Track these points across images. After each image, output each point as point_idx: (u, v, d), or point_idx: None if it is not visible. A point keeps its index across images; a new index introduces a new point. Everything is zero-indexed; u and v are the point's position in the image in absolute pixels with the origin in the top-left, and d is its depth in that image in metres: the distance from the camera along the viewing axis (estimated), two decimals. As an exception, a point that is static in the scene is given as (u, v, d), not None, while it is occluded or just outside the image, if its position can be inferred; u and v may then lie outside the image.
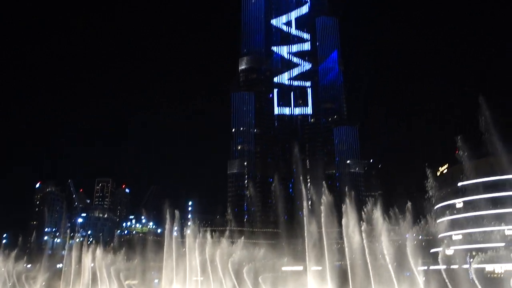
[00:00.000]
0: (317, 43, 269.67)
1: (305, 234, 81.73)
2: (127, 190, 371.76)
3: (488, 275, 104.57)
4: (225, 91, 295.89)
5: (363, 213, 78.22)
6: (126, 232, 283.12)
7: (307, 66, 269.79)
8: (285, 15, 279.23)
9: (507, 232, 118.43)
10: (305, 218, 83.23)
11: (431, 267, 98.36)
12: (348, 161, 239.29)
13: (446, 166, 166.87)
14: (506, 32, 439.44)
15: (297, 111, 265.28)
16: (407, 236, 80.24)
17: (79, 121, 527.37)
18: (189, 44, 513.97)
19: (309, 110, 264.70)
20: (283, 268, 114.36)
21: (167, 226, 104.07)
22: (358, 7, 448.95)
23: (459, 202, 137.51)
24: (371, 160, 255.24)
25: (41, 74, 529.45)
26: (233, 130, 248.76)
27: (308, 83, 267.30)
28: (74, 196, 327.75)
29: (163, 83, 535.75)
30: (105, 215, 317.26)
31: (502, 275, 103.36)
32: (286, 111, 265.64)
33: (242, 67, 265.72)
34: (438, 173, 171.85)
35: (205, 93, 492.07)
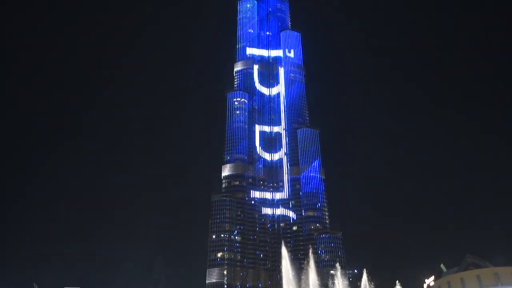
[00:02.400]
0: (299, 153, 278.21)
1: None
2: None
3: None
4: (206, 197, 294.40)
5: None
6: None
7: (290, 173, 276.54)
8: (267, 126, 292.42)
9: None
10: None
11: None
12: (332, 271, 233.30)
13: (432, 277, 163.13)
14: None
15: (279, 211, 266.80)
16: None
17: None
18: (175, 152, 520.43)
19: (292, 215, 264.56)
20: None
21: None
22: (337, 119, 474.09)
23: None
24: (355, 271, 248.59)
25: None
26: (213, 237, 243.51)
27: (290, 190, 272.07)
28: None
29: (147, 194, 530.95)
30: None
31: None
32: (269, 211, 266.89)
33: (225, 173, 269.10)
34: (425, 286, 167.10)
35: (186, 201, 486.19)
